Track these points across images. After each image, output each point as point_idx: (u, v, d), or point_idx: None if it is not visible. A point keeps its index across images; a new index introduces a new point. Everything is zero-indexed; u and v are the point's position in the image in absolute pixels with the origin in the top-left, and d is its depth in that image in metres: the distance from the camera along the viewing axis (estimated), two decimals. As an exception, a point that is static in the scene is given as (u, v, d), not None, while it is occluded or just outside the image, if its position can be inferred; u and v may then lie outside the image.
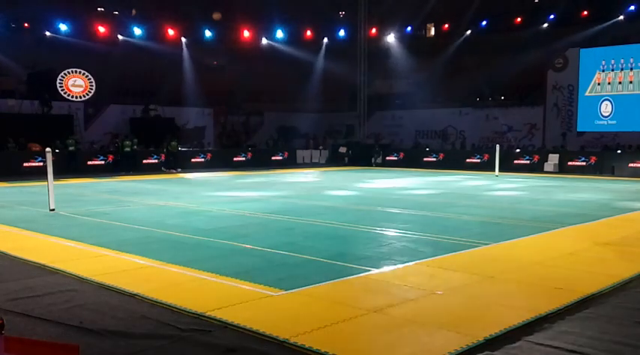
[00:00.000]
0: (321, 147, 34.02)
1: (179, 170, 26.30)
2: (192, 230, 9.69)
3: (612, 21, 27.65)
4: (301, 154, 33.28)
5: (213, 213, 11.93)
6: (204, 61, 33.10)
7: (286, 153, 32.11)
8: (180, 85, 31.08)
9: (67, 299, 5.73)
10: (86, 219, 11.14)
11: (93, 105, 29.02)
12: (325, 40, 34.61)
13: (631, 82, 26.03)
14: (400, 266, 7.09)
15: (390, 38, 33.99)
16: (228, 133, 34.86)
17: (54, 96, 26.28)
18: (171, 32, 31.00)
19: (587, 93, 27.40)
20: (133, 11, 31.50)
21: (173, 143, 27.06)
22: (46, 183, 12.22)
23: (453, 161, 28.04)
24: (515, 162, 26.26)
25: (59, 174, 18.97)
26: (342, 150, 32.48)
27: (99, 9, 30.32)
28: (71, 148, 24.58)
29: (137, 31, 30.08)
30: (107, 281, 6.34)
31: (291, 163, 31.52)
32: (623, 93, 26.25)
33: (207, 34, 31.66)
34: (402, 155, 30.43)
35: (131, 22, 30.36)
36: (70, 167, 23.60)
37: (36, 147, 24.07)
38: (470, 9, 30.87)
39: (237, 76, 33.31)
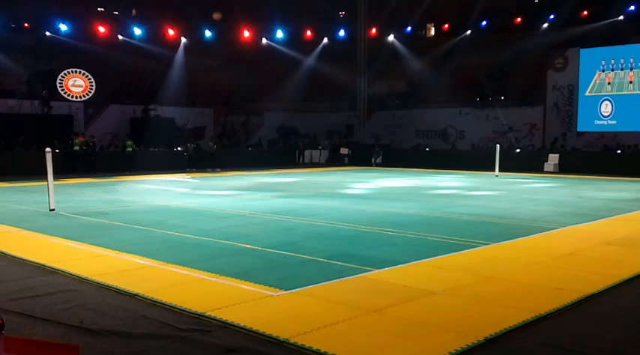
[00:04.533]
0: (320, 148, 34.00)
1: (218, 170, 25.92)
2: (192, 230, 9.69)
3: (612, 20, 27.64)
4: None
5: (214, 213, 11.94)
6: (205, 61, 33.08)
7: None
8: (181, 85, 31.08)
9: (67, 299, 5.73)
10: (86, 219, 11.13)
11: (93, 105, 29.01)
12: (325, 40, 34.60)
13: (631, 82, 26.03)
14: (400, 266, 7.09)
15: (390, 38, 33.98)
16: (228, 133, 34.84)
17: (54, 96, 26.25)
18: (171, 32, 30.99)
19: (587, 93, 27.39)
20: (133, 11, 31.50)
21: (210, 143, 27.02)
22: (46, 183, 12.22)
23: (453, 161, 28.01)
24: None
25: (60, 174, 18.94)
26: (344, 151, 32.44)
27: (99, 9, 30.32)
28: (76, 148, 24.12)
29: (137, 31, 30.08)
30: (107, 281, 6.34)
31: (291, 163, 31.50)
32: (623, 93, 26.25)
33: (207, 34, 31.66)
34: (402, 155, 30.40)
35: (131, 22, 30.36)
36: (75, 167, 23.40)
37: (81, 140, 23.93)
38: (470, 9, 30.86)
39: (237, 76, 33.29)
